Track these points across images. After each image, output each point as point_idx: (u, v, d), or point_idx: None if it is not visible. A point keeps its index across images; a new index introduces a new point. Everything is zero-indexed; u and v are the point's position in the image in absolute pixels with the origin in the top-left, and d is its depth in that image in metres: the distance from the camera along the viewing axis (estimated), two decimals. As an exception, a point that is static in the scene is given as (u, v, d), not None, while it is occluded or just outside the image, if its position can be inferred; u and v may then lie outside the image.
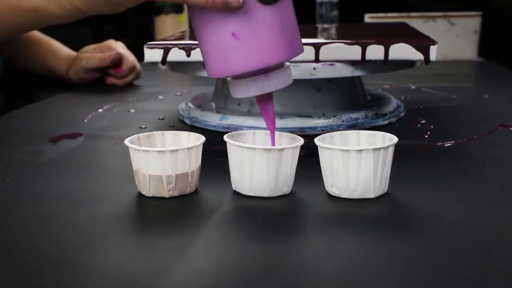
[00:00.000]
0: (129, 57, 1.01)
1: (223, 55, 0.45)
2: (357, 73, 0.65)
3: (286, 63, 0.47)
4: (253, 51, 0.44)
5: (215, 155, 0.56)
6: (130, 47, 1.05)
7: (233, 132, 0.50)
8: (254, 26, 0.44)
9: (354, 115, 0.68)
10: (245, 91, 0.46)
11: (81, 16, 0.54)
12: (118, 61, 0.99)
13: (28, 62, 1.05)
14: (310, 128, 0.65)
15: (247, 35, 0.44)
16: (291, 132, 0.51)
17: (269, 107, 0.48)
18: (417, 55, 0.64)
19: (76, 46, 1.05)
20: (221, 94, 0.73)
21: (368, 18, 1.30)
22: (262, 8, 0.44)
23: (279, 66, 0.46)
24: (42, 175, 0.53)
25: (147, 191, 0.47)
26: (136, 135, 0.49)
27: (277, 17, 0.44)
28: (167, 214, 0.45)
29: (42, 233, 0.41)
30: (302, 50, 0.47)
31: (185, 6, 1.31)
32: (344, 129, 0.65)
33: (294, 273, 0.35)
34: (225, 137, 0.48)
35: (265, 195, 0.46)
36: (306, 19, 1.47)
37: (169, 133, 0.51)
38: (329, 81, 0.70)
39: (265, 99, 0.47)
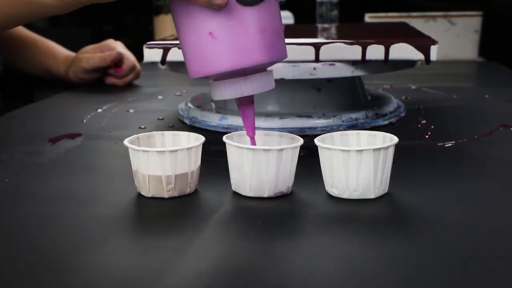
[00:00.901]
0: (129, 56, 1.01)
1: (201, 55, 0.44)
2: (358, 73, 0.65)
3: (269, 68, 0.47)
4: (230, 51, 0.43)
5: (214, 155, 0.56)
6: (129, 47, 1.05)
7: (232, 133, 0.50)
8: (232, 27, 0.43)
9: (354, 115, 0.68)
10: (223, 93, 0.46)
11: (76, 6, 0.53)
12: (118, 61, 0.99)
13: (26, 64, 1.05)
14: (310, 128, 0.65)
15: (224, 35, 0.43)
16: (291, 132, 0.51)
17: (249, 112, 0.47)
18: (418, 55, 0.64)
19: (75, 46, 1.05)
20: (221, 94, 0.73)
21: (368, 17, 1.30)
22: (241, 9, 0.43)
23: (260, 70, 0.45)
24: (41, 175, 0.53)
25: (147, 192, 0.47)
26: (135, 135, 0.49)
27: (257, 19, 0.43)
28: (166, 214, 0.45)
29: (42, 233, 0.41)
30: (284, 56, 0.46)
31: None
32: (344, 129, 0.65)
33: (294, 273, 0.35)
34: (224, 138, 0.48)
35: (265, 195, 0.46)
36: (306, 19, 1.47)
37: (169, 133, 0.51)
38: (329, 81, 0.70)
39: (246, 103, 0.47)
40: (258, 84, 0.45)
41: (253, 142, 0.48)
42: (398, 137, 0.47)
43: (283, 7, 1.36)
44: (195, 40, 0.44)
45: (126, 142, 0.47)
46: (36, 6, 0.55)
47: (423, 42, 0.64)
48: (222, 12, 0.43)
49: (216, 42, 0.43)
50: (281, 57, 0.46)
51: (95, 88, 0.99)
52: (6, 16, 0.58)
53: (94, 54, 0.99)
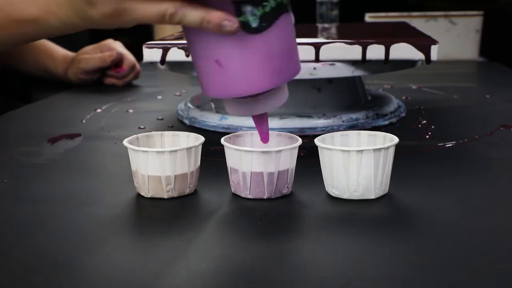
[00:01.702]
0: (129, 56, 1.01)
1: (209, 79, 0.44)
2: (358, 73, 0.65)
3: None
4: (237, 79, 0.42)
5: (214, 155, 0.56)
6: (129, 47, 1.05)
7: (230, 134, 0.49)
8: (238, 55, 0.42)
9: (354, 115, 0.67)
10: (235, 110, 0.45)
11: (82, 29, 0.53)
12: (118, 61, 0.99)
13: (24, 64, 1.05)
14: (310, 128, 0.65)
15: (231, 64, 0.42)
16: (291, 132, 0.51)
17: (263, 121, 0.47)
18: (418, 55, 0.63)
19: (74, 46, 1.05)
20: (220, 94, 0.73)
21: (368, 17, 1.30)
22: (247, 37, 0.41)
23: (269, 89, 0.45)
24: (40, 176, 0.53)
25: (146, 192, 0.47)
26: (135, 135, 0.49)
27: (264, 46, 0.42)
28: (166, 215, 0.44)
29: (41, 234, 0.41)
30: (296, 72, 0.45)
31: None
32: (345, 130, 0.65)
33: (294, 274, 0.35)
34: (222, 140, 0.47)
35: (265, 197, 0.46)
36: (306, 19, 1.46)
37: (168, 134, 0.51)
38: (330, 81, 0.69)
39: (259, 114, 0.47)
40: (269, 102, 0.45)
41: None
42: (398, 137, 0.47)
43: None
44: (203, 66, 0.43)
45: (125, 142, 0.47)
46: (41, 27, 0.54)
47: (423, 42, 0.64)
48: (228, 40, 0.41)
49: (222, 70, 0.42)
50: (290, 77, 0.44)
51: (94, 88, 0.99)
52: (11, 35, 0.57)
53: (94, 55, 0.99)
